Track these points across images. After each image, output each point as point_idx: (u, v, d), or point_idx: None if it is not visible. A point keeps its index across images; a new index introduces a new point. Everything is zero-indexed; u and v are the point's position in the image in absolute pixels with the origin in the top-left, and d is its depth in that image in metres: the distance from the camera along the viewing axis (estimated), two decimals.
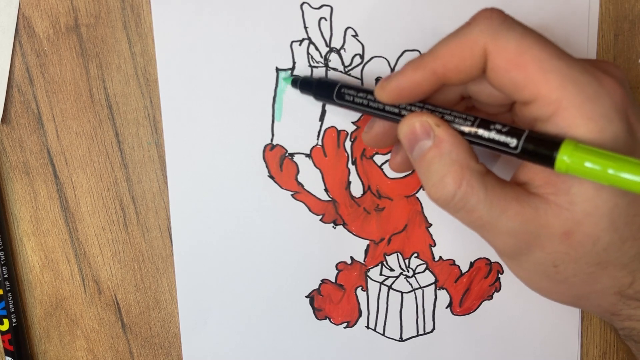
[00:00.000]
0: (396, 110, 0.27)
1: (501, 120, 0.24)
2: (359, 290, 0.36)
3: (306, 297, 0.35)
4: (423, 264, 0.35)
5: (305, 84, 0.31)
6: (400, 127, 0.26)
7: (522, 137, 0.23)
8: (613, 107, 0.22)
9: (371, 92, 0.28)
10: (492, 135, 0.24)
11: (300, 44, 0.33)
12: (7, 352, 0.35)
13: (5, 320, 0.35)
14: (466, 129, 0.25)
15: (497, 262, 0.35)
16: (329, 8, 0.32)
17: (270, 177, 0.34)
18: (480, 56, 0.24)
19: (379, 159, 0.34)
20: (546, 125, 0.23)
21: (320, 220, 0.34)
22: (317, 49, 0.33)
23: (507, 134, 0.23)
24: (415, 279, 0.35)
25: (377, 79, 0.33)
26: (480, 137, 0.24)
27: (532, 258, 0.25)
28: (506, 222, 0.24)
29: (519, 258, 0.26)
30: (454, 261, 0.35)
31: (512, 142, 0.23)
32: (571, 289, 0.26)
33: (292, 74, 0.33)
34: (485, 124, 0.24)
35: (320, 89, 0.30)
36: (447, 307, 0.36)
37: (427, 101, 0.26)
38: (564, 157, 0.22)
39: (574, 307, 0.35)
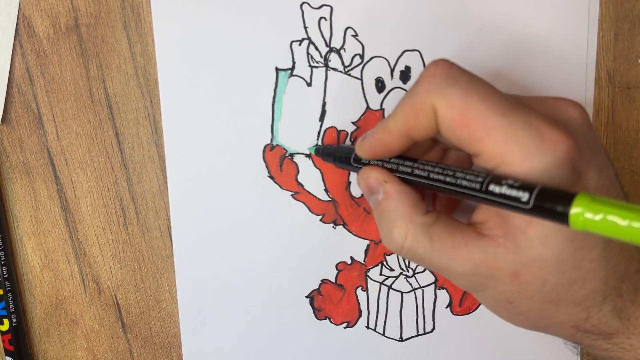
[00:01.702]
0: (380, 164, 0.28)
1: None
2: (359, 290, 0.36)
3: (306, 297, 0.35)
4: None
5: (326, 152, 0.33)
6: (358, 179, 0.29)
7: (533, 192, 0.21)
8: (555, 162, 0.22)
9: None
10: (504, 190, 0.22)
11: (300, 44, 0.33)
12: (7, 352, 0.35)
13: (5, 320, 0.35)
14: (476, 185, 0.23)
15: None
16: (329, 8, 0.32)
17: (270, 177, 0.34)
18: (432, 114, 0.24)
19: None
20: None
21: (320, 220, 0.34)
22: (317, 49, 0.33)
23: (518, 188, 0.22)
24: (415, 278, 0.35)
25: (377, 79, 0.33)
26: (492, 194, 0.23)
27: (488, 294, 0.26)
28: (456, 267, 0.25)
29: (477, 294, 0.27)
30: None
31: (524, 196, 0.21)
32: (529, 320, 0.27)
33: (291, 74, 0.33)
34: (497, 180, 0.23)
35: (341, 155, 0.31)
36: (447, 307, 0.36)
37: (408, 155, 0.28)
38: (585, 213, 0.19)
39: None
